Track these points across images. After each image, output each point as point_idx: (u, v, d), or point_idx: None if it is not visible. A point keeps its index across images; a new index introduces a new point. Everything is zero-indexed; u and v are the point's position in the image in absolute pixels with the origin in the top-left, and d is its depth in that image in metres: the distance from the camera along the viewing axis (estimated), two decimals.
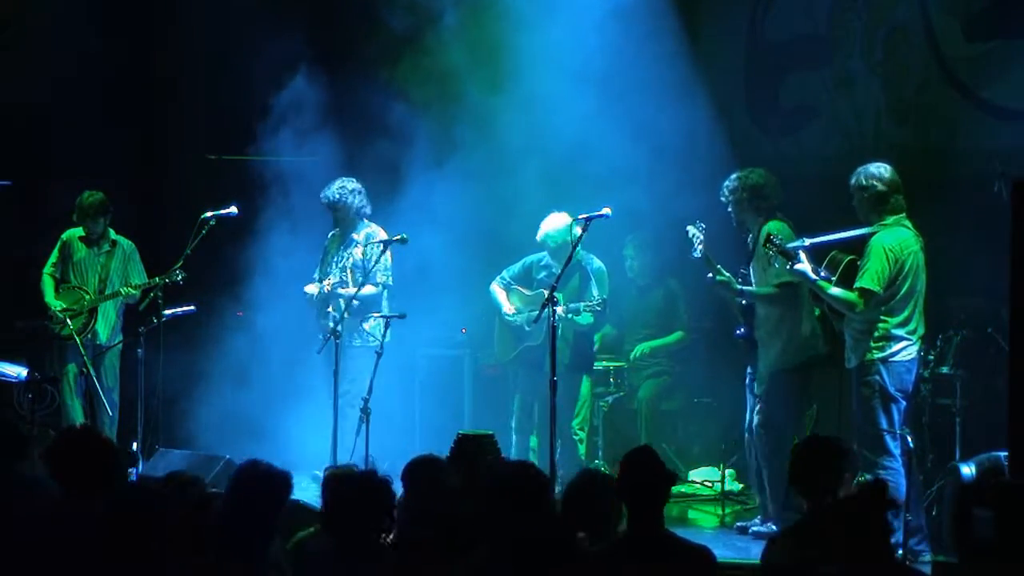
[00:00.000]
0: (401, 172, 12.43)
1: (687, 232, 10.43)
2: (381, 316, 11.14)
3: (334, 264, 11.86)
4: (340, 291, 11.61)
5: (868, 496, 6.17)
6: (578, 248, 10.71)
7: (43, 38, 13.10)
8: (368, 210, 11.85)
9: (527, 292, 11.62)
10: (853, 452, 7.14)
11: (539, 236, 11.48)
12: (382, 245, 11.31)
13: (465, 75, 12.45)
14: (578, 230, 10.39)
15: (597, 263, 11.51)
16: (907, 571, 6.46)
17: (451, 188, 12.17)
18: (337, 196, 11.75)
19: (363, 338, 11.64)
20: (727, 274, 10.33)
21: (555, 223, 11.43)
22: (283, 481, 6.27)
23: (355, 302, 11.40)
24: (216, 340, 12.42)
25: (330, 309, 11.59)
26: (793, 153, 12.83)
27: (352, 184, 11.78)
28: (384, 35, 12.67)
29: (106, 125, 13.26)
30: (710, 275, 10.32)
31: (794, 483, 7.06)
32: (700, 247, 10.35)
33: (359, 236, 11.82)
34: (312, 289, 11.80)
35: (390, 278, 11.68)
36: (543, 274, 11.56)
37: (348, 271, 11.77)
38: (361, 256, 11.75)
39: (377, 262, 11.58)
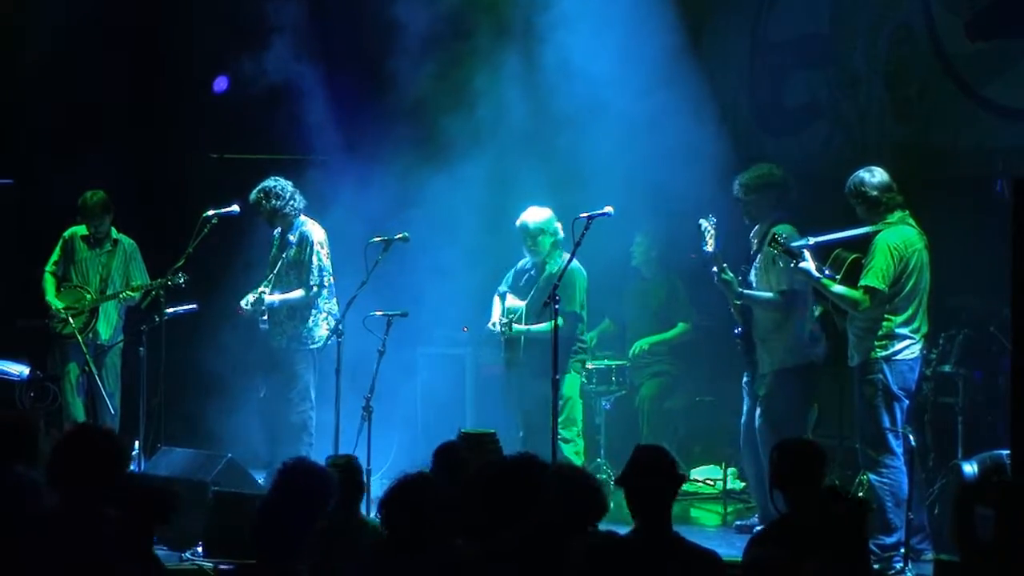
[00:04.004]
0: (403, 170, 12.45)
1: (699, 226, 10.35)
2: (383, 314, 11.04)
3: (273, 267, 11.76)
4: (267, 298, 11.61)
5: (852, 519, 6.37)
6: (555, 248, 11.21)
7: (44, 38, 13.07)
8: (299, 205, 11.70)
9: (519, 302, 11.58)
10: (827, 453, 7.28)
11: (517, 222, 11.46)
12: (384, 244, 11.14)
13: (466, 75, 12.50)
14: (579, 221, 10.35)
15: (556, 267, 11.28)
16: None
17: (453, 185, 12.18)
18: (254, 199, 11.66)
19: (299, 340, 11.64)
20: (731, 274, 10.28)
21: (535, 211, 11.44)
22: (329, 481, 6.24)
23: (287, 306, 11.56)
24: (218, 338, 12.38)
25: (265, 316, 11.62)
26: (796, 152, 12.78)
27: (272, 185, 11.63)
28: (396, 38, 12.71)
29: (108, 124, 13.29)
30: (715, 269, 10.28)
31: (776, 485, 7.11)
32: (711, 243, 10.28)
33: (294, 237, 11.71)
34: (247, 300, 11.68)
35: (325, 278, 11.61)
36: (524, 279, 11.59)
37: (284, 273, 11.69)
38: (295, 257, 11.67)
39: (309, 263, 11.57)
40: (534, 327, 11.29)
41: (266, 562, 5.97)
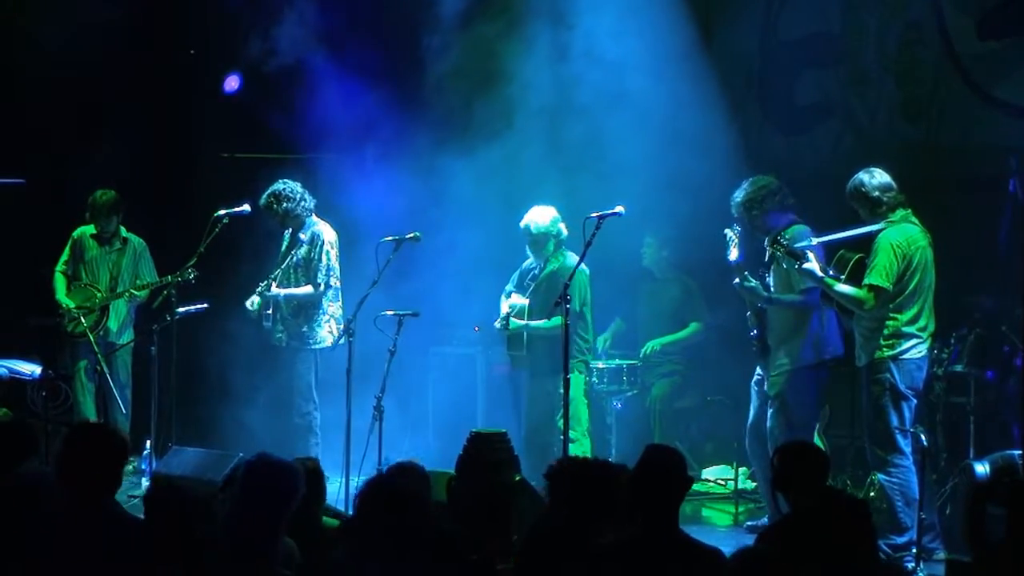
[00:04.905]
0: (415, 168, 12.48)
1: (724, 235, 10.31)
2: (395, 313, 11.03)
3: (281, 264, 11.75)
4: (274, 290, 11.62)
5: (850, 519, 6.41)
6: (558, 248, 11.22)
7: (54, 38, 13.04)
8: (310, 205, 11.73)
9: (523, 300, 11.59)
10: (832, 454, 7.32)
11: (522, 224, 11.44)
12: (395, 244, 11.06)
13: (479, 73, 12.45)
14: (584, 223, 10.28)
15: (558, 264, 11.34)
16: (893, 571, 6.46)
17: (465, 183, 12.19)
18: (264, 203, 11.69)
19: (301, 338, 11.65)
20: (754, 281, 10.23)
21: (539, 213, 11.42)
22: (294, 477, 6.15)
23: (293, 302, 11.57)
24: (229, 338, 12.34)
25: (269, 311, 11.61)
26: (806, 151, 12.78)
27: (281, 188, 11.66)
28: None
29: (119, 123, 13.19)
30: (737, 280, 10.24)
31: (778, 488, 7.18)
32: (735, 252, 10.25)
33: (305, 235, 11.72)
34: (254, 300, 11.70)
35: (332, 278, 11.66)
36: (529, 278, 11.59)
37: (292, 270, 11.71)
38: (305, 255, 11.69)
39: (319, 262, 11.59)
40: (533, 323, 11.33)
41: (239, 563, 5.92)
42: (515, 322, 11.42)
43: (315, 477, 7.19)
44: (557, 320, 10.80)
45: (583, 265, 11.07)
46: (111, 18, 13.01)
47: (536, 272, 11.53)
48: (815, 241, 9.89)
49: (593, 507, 6.35)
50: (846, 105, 12.63)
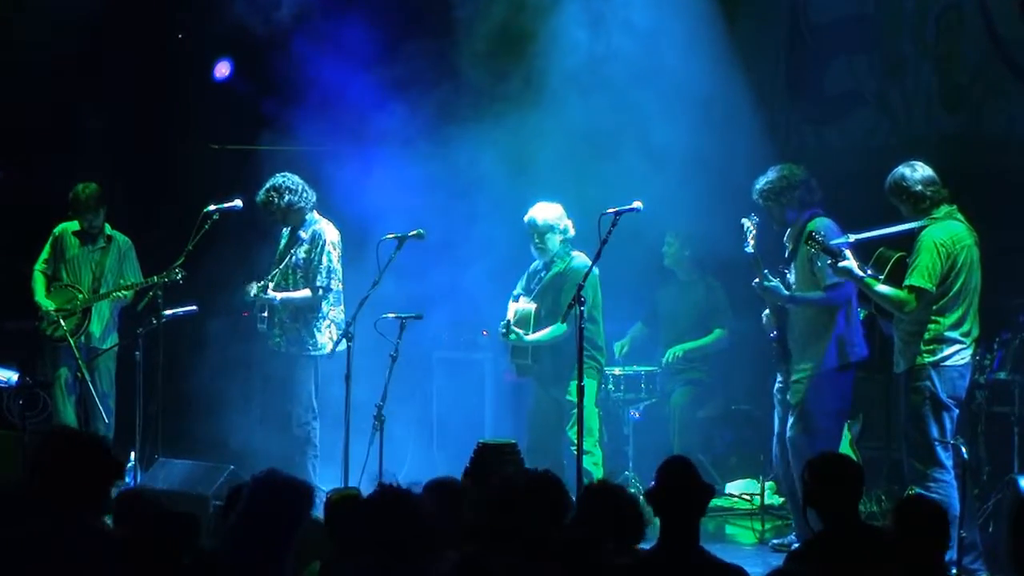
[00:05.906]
0: (419, 160, 12.23)
1: (741, 225, 10.04)
2: (396, 316, 10.80)
3: (279, 264, 11.46)
4: (270, 293, 11.34)
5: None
6: (564, 246, 11.00)
7: (38, 23, 12.88)
8: (312, 198, 11.42)
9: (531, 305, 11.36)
10: (867, 466, 7.14)
11: (526, 218, 11.18)
12: (398, 242, 10.83)
13: (493, 63, 12.26)
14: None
15: (564, 265, 11.08)
16: None
17: (473, 177, 12.01)
18: (263, 199, 11.39)
19: (300, 344, 11.34)
20: (775, 280, 9.95)
21: (544, 207, 11.14)
22: (304, 494, 5.95)
23: (291, 306, 11.29)
24: (220, 342, 12.16)
25: (265, 313, 11.36)
26: (837, 142, 12.68)
27: (281, 181, 11.35)
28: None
29: (103, 113, 13.23)
30: (756, 280, 9.96)
31: (810, 503, 6.87)
32: (752, 242, 9.98)
33: (306, 234, 11.42)
34: (251, 290, 11.45)
35: (334, 282, 11.37)
36: (535, 281, 11.33)
37: (291, 271, 11.42)
38: (305, 255, 11.40)
39: (319, 263, 11.30)
40: (529, 337, 11.06)
41: None
42: (515, 333, 11.11)
43: None
44: (556, 331, 10.80)
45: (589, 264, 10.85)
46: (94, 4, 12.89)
47: (543, 274, 11.26)
48: (852, 238, 9.59)
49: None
50: (881, 93, 12.48)
